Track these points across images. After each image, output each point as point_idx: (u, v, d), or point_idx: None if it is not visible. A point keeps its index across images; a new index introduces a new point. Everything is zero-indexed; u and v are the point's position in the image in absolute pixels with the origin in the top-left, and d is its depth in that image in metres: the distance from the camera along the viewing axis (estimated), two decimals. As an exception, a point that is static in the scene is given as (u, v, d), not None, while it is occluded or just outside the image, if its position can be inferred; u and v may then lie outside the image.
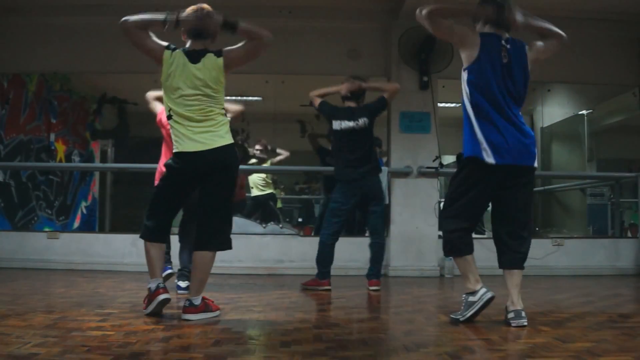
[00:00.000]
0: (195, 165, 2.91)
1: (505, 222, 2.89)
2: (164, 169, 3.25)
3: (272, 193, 7.63)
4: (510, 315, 2.77)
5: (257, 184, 7.43)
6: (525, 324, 2.71)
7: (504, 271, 2.90)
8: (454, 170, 3.11)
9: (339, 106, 4.37)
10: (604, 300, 3.78)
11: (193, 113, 2.91)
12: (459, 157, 2.98)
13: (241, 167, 6.96)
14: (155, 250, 3.00)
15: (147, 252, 3.01)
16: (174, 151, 2.98)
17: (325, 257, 4.23)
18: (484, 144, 2.78)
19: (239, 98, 8.00)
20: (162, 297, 2.89)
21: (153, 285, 2.92)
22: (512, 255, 2.87)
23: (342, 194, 4.25)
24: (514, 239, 2.86)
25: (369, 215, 4.31)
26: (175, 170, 2.97)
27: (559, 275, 5.25)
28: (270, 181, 7.56)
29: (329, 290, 4.16)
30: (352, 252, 5.05)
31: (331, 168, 5.87)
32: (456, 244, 2.89)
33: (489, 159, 2.76)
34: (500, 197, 2.89)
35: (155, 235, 3.01)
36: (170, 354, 2.10)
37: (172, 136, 2.97)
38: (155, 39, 3.03)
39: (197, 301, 2.86)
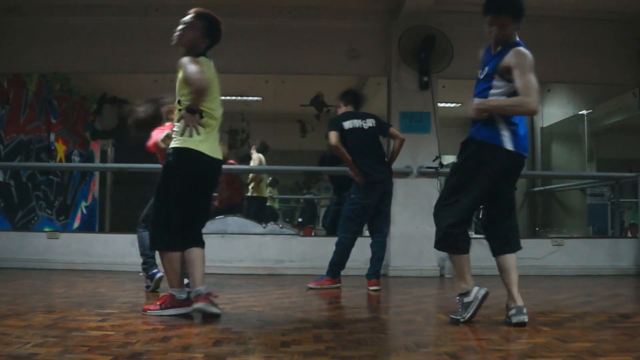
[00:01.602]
0: (211, 169, 2.99)
1: (503, 214, 2.88)
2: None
3: (262, 197, 7.40)
4: (512, 312, 2.75)
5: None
6: (526, 320, 2.69)
7: (500, 267, 2.86)
8: None
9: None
10: (604, 300, 3.78)
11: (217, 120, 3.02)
12: (467, 142, 2.84)
13: (241, 167, 7.00)
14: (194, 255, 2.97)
15: (177, 262, 2.95)
16: (193, 147, 2.87)
17: (344, 259, 4.29)
18: (504, 130, 2.75)
19: (239, 98, 8.04)
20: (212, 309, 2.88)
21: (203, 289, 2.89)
22: (502, 240, 2.86)
23: (364, 196, 4.26)
24: (509, 227, 2.88)
25: (377, 215, 4.34)
26: (198, 172, 2.94)
27: (559, 275, 5.25)
28: (264, 184, 7.39)
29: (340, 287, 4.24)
30: (352, 252, 5.04)
31: (332, 168, 5.90)
32: (458, 240, 2.83)
33: (508, 145, 2.74)
34: (500, 188, 2.86)
35: (183, 244, 2.96)
36: (170, 354, 2.10)
37: (196, 131, 2.82)
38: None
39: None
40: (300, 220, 8.76)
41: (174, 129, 2.98)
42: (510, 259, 2.85)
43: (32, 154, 7.15)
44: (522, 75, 2.68)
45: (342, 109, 4.44)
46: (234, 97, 8.04)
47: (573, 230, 7.49)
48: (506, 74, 2.76)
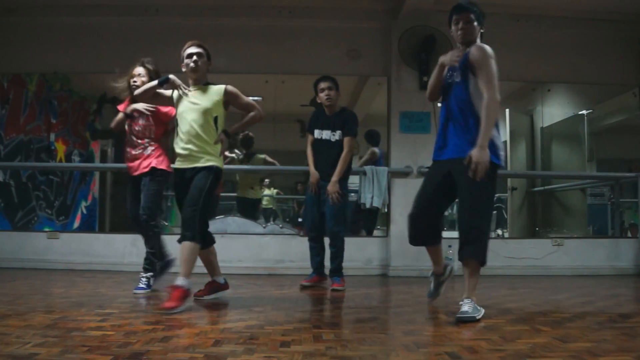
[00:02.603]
0: None
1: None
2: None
3: (253, 199, 7.35)
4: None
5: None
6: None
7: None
8: None
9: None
10: (604, 300, 3.78)
11: None
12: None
13: (241, 167, 6.96)
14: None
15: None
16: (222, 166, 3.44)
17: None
18: (501, 147, 3.03)
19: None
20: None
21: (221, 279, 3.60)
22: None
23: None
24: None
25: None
26: None
27: (559, 275, 5.25)
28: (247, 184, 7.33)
29: None
30: (351, 252, 5.04)
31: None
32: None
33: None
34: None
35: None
36: (170, 354, 2.10)
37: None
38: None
39: None
40: (300, 220, 8.75)
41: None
42: None
43: (32, 154, 7.15)
44: (484, 68, 2.93)
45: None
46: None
47: (573, 230, 7.48)
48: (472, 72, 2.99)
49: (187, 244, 3.16)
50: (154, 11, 5.59)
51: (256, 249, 5.35)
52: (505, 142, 7.71)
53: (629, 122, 7.27)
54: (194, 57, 3.37)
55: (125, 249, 5.24)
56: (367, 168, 5.41)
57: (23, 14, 5.62)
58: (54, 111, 7.68)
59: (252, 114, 3.55)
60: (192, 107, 3.34)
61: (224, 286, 3.62)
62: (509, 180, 7.58)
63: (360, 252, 5.28)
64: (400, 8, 5.35)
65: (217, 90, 3.42)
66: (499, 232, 7.65)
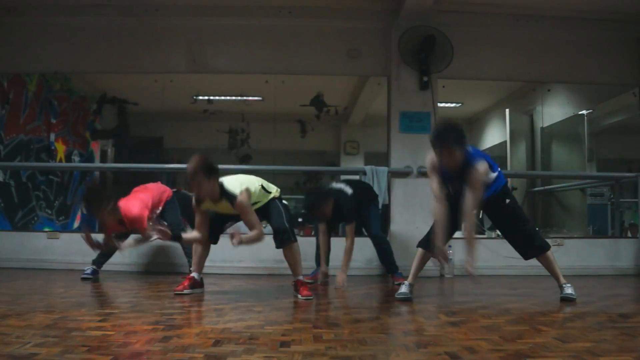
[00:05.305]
0: None
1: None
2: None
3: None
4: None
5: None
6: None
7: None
8: None
9: None
10: (604, 300, 3.78)
11: None
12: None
13: (240, 167, 6.96)
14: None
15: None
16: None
17: None
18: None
19: (239, 98, 8.04)
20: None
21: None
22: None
23: None
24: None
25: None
26: None
27: (559, 275, 5.24)
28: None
29: None
30: (353, 252, 5.03)
31: (332, 168, 5.91)
32: None
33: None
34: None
35: None
36: (170, 354, 2.10)
37: None
38: None
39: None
40: (300, 220, 8.73)
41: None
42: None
43: (32, 154, 7.15)
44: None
45: None
46: (234, 97, 8.04)
47: (573, 230, 7.48)
48: None
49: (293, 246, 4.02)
50: (153, 11, 5.59)
51: (256, 249, 5.31)
52: (505, 142, 7.72)
53: (629, 122, 7.27)
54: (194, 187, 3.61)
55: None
56: (367, 168, 5.41)
57: (23, 13, 5.62)
58: (54, 111, 7.68)
59: (253, 233, 3.84)
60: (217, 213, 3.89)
61: (200, 284, 3.91)
62: (509, 180, 7.58)
63: (360, 252, 5.26)
64: (400, 8, 5.35)
65: (228, 205, 3.74)
66: (499, 232, 7.64)
